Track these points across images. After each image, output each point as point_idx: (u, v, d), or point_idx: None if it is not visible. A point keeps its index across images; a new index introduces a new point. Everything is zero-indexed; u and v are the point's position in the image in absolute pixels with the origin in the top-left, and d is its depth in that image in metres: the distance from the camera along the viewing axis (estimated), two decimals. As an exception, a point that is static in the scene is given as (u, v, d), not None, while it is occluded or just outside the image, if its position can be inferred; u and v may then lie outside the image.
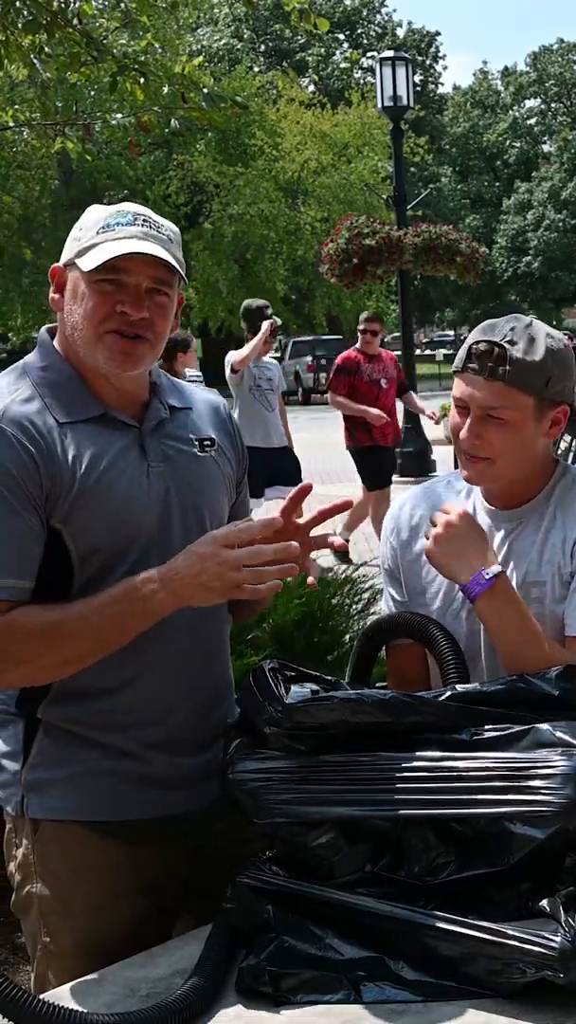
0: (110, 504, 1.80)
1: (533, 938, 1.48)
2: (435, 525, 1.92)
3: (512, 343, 1.88)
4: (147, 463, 1.86)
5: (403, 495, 2.16)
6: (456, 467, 2.05)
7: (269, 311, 8.36)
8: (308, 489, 1.89)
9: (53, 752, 1.86)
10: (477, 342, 1.90)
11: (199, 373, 8.30)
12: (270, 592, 1.74)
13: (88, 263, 1.78)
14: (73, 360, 1.86)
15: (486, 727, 1.66)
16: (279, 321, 8.58)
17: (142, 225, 1.82)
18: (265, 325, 8.02)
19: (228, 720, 1.99)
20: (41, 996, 1.48)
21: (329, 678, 1.93)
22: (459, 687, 1.75)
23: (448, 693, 1.72)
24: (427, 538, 1.94)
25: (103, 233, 1.81)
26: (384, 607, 2.17)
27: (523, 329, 1.90)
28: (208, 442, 1.96)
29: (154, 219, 1.86)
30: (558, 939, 1.47)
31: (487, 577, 1.85)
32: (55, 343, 1.90)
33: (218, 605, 1.89)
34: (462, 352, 1.93)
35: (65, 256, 1.86)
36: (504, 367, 1.86)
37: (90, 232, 1.83)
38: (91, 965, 1.79)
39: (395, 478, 14.73)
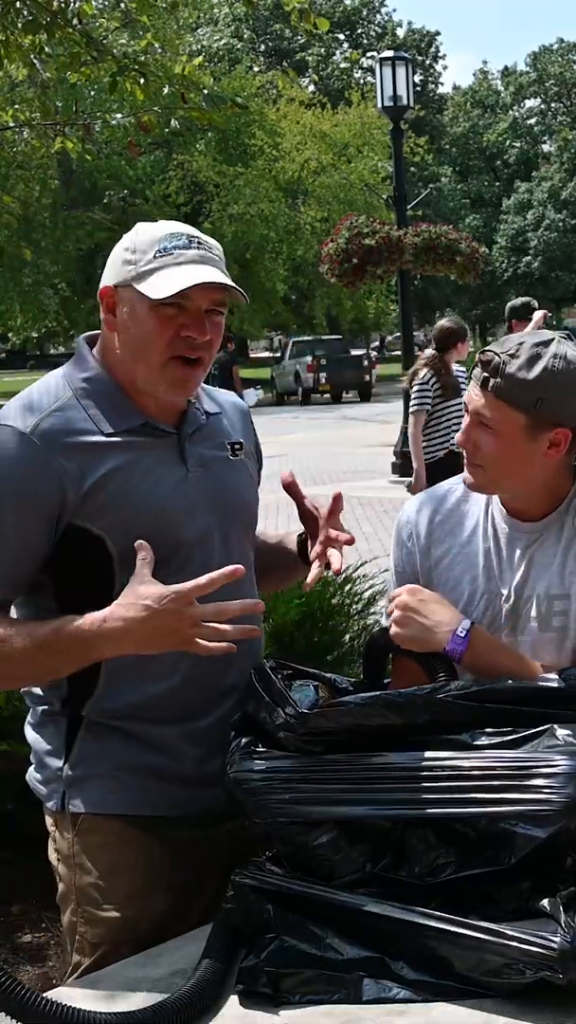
0: (150, 510, 1.84)
1: (533, 938, 1.48)
2: (391, 614, 1.93)
3: (513, 356, 1.87)
4: (186, 469, 1.91)
5: (416, 499, 2.14)
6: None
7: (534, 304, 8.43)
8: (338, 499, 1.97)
9: (94, 748, 1.90)
10: (486, 351, 1.91)
11: (463, 369, 7.83)
12: (224, 651, 1.71)
13: (156, 290, 1.79)
14: (115, 372, 1.89)
15: (493, 729, 1.66)
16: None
17: (198, 248, 1.85)
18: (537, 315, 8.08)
19: None
20: (44, 995, 1.48)
21: (328, 675, 1.94)
22: (474, 686, 1.74)
23: (458, 691, 1.71)
24: (390, 626, 1.93)
25: (161, 257, 1.82)
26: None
27: (532, 345, 1.88)
28: (238, 446, 2.03)
29: (203, 239, 1.88)
30: (558, 939, 1.47)
31: (462, 635, 1.86)
32: (95, 353, 1.93)
33: (256, 595, 2.00)
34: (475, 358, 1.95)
35: (116, 277, 1.85)
36: (496, 379, 1.87)
37: (146, 255, 1.83)
38: (124, 957, 1.82)
39: (395, 478, 14.78)
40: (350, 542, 1.92)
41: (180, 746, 1.90)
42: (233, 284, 1.84)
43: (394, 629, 1.92)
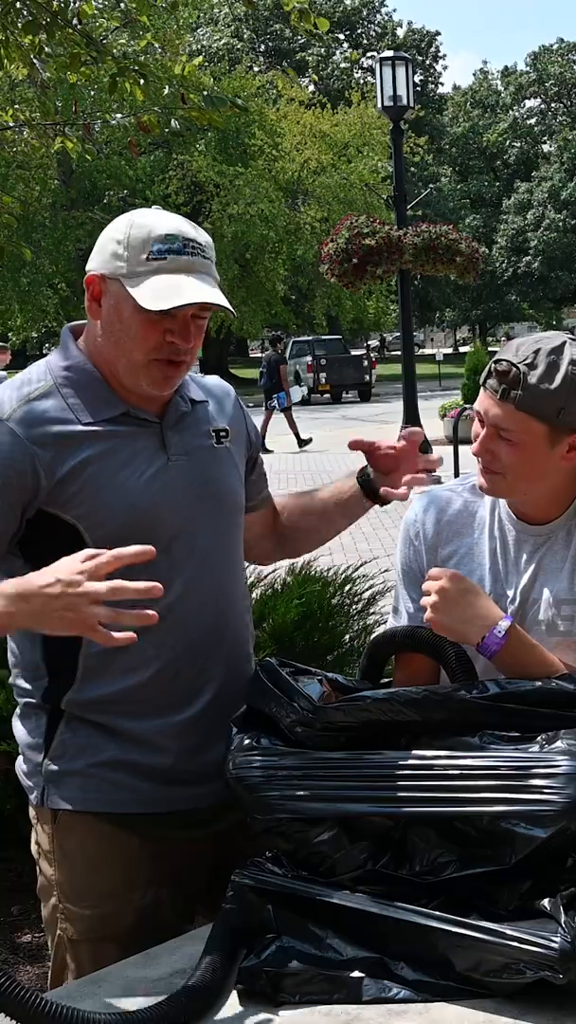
0: (127, 499, 1.83)
1: (533, 939, 1.48)
2: (428, 594, 1.90)
3: (532, 367, 1.84)
4: (167, 457, 1.90)
5: (423, 498, 2.14)
6: (455, 469, 2.04)
7: None
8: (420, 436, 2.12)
9: (74, 744, 1.90)
10: (499, 360, 1.88)
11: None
12: (124, 642, 1.58)
13: (146, 300, 1.78)
14: (97, 361, 1.89)
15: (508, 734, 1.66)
16: None
17: (192, 254, 1.82)
18: None
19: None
20: (43, 996, 1.48)
21: (329, 675, 1.94)
22: (492, 685, 1.73)
23: (479, 691, 1.71)
24: (425, 608, 1.91)
25: (154, 261, 1.80)
26: (401, 607, 2.15)
27: (547, 352, 1.86)
28: (223, 433, 2.01)
29: (198, 240, 1.85)
30: (558, 940, 1.47)
31: (500, 635, 1.84)
32: (80, 343, 1.93)
33: (241, 586, 2.02)
34: (487, 367, 1.92)
35: (105, 267, 1.83)
36: (517, 391, 1.84)
37: (138, 255, 1.80)
38: (105, 953, 1.83)
39: (395, 478, 14.77)
40: (436, 464, 2.11)
41: (159, 741, 1.90)
42: (224, 303, 1.83)
43: (429, 613, 1.88)
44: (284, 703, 1.73)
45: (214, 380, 2.12)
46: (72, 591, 1.56)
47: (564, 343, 1.89)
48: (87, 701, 1.88)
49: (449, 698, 1.69)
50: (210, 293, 1.82)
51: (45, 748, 1.92)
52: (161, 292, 1.79)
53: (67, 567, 1.58)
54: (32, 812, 1.99)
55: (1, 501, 1.81)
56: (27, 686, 1.94)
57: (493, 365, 1.88)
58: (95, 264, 1.86)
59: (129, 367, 1.85)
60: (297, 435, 19.17)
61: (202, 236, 1.87)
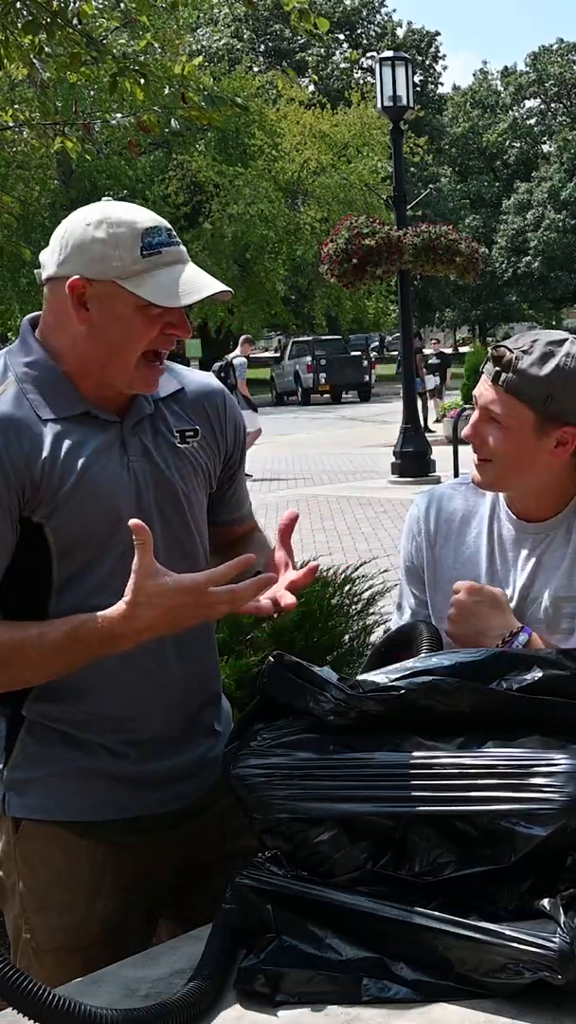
0: (89, 501, 1.79)
1: (532, 939, 1.48)
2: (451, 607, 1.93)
3: (526, 352, 1.88)
4: (127, 458, 1.85)
5: (426, 494, 2.15)
6: (455, 469, 2.04)
7: None
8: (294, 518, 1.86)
9: (34, 751, 1.86)
10: (499, 346, 1.92)
11: None
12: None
13: (159, 297, 1.75)
14: (61, 359, 1.84)
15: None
16: None
17: (177, 243, 1.81)
18: None
19: (214, 720, 1.99)
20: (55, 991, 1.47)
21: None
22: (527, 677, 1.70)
23: (517, 681, 1.68)
24: (448, 620, 1.94)
25: (150, 256, 1.76)
26: (404, 604, 2.15)
27: (545, 343, 1.89)
28: (191, 433, 1.94)
29: (167, 224, 1.83)
30: (556, 940, 1.47)
31: (521, 646, 1.86)
32: (38, 335, 1.87)
33: None
34: (488, 353, 1.96)
35: (88, 270, 1.77)
36: (507, 374, 1.87)
37: (130, 252, 1.76)
38: (69, 963, 1.81)
39: (394, 478, 14.77)
40: (290, 607, 1.81)
41: (121, 748, 1.86)
42: (226, 287, 1.82)
43: (448, 626, 1.93)
44: (314, 693, 1.70)
45: (199, 375, 2.04)
46: (189, 608, 1.67)
47: (566, 339, 1.92)
48: (47, 708, 1.84)
49: (483, 690, 1.67)
50: (216, 283, 1.81)
51: (6, 755, 1.88)
52: (170, 287, 1.76)
53: (169, 591, 1.65)
54: None
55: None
56: None
57: (491, 351, 1.91)
58: (74, 268, 1.77)
59: (122, 367, 1.81)
60: None
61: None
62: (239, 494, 2.11)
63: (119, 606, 1.66)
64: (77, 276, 1.77)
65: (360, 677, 1.74)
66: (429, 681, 1.68)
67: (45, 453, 1.77)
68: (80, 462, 1.79)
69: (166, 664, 1.88)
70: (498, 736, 1.64)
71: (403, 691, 1.67)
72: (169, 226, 1.83)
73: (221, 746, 1.98)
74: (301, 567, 1.85)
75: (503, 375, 1.87)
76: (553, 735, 1.62)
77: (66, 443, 1.79)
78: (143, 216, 1.80)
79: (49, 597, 1.80)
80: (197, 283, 1.79)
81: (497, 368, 1.89)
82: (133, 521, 1.64)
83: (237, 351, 17.69)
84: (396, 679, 1.70)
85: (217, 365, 17.38)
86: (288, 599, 1.78)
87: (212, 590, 1.65)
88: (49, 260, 1.82)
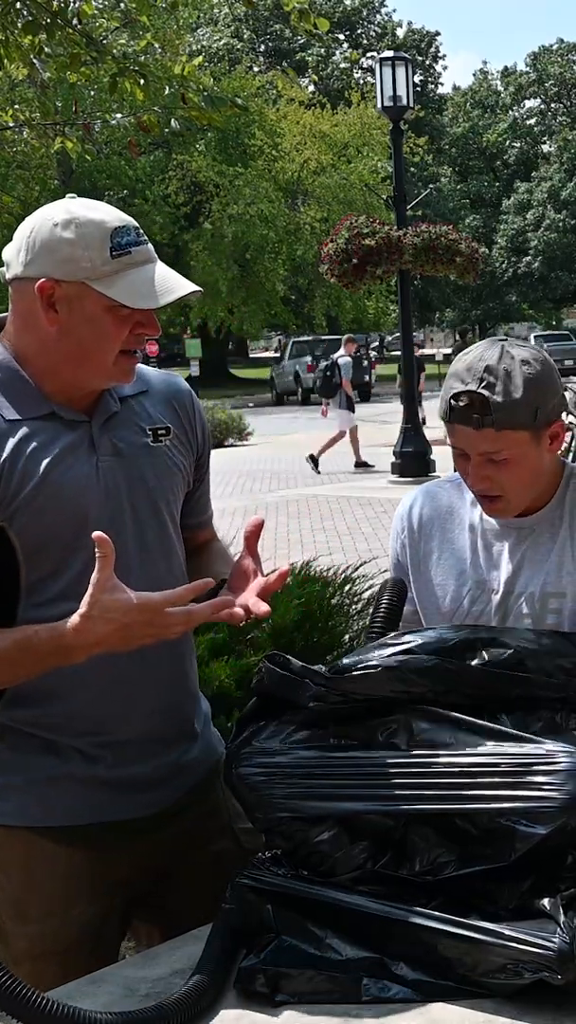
0: (52, 502, 1.76)
1: (531, 939, 1.48)
2: None
3: (491, 387, 1.85)
4: (96, 458, 1.82)
5: (412, 492, 2.16)
6: (455, 469, 2.04)
7: None
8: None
9: (7, 757, 1.83)
10: (456, 395, 1.87)
11: None
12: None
13: (133, 299, 1.74)
14: (25, 360, 1.81)
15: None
16: None
17: (145, 241, 1.79)
18: None
19: (193, 721, 1.98)
20: (46, 995, 1.48)
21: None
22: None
23: (487, 659, 1.70)
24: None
25: (120, 257, 1.74)
26: None
27: (496, 366, 1.86)
28: (163, 431, 1.91)
29: (135, 223, 1.81)
30: (556, 940, 1.47)
31: None
32: (2, 336, 1.83)
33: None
34: (444, 403, 1.90)
35: (57, 271, 1.73)
36: (489, 415, 1.85)
37: (101, 253, 1.73)
38: (47, 970, 1.78)
39: (395, 478, 14.77)
40: (265, 615, 1.78)
41: (96, 752, 1.84)
42: (196, 287, 1.82)
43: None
44: (297, 683, 1.71)
45: (163, 375, 2.02)
46: (143, 626, 1.65)
47: (502, 349, 1.89)
48: (19, 713, 1.81)
49: (459, 669, 1.68)
50: (187, 282, 1.79)
51: None
52: (143, 288, 1.74)
53: (123, 607, 1.62)
54: None
55: None
56: None
57: (452, 402, 1.88)
58: (42, 269, 1.74)
59: (99, 366, 1.78)
60: None
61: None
62: (205, 497, 2.09)
63: (73, 618, 1.63)
64: (46, 278, 1.74)
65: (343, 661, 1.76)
66: (404, 660, 1.69)
67: (5, 454, 1.74)
68: (44, 463, 1.76)
69: (141, 664, 1.83)
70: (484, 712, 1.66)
71: (379, 668, 1.68)
72: (136, 224, 1.80)
73: (199, 747, 1.98)
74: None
75: (486, 418, 1.85)
76: (532, 711, 1.65)
77: (30, 444, 1.77)
78: (111, 215, 1.77)
79: (18, 600, 1.75)
80: (169, 283, 1.77)
81: (475, 415, 1.85)
82: (96, 533, 1.61)
83: (342, 351, 17.99)
84: (373, 658, 1.71)
85: (323, 364, 17.75)
86: (262, 607, 1.74)
87: (169, 611, 1.63)
88: (14, 259, 1.77)
